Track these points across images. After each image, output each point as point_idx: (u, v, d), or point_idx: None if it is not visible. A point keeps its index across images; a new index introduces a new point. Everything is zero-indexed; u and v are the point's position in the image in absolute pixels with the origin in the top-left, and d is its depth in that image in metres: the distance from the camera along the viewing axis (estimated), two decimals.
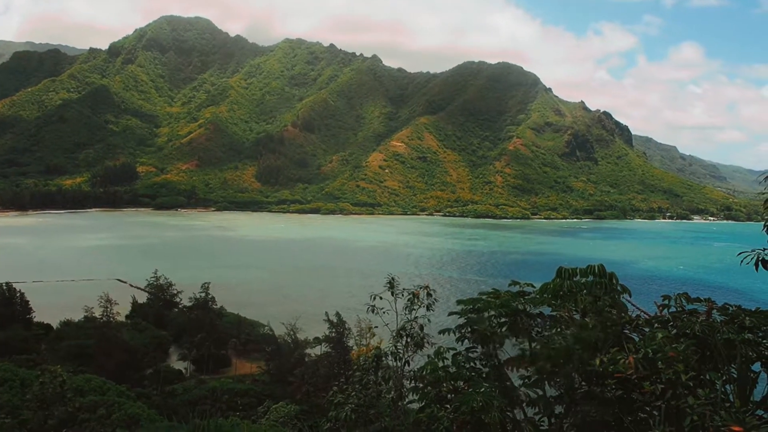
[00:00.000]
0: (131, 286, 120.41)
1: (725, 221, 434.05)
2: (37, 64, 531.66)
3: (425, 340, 10.10)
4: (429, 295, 10.12)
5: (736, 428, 5.75)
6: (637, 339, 8.40)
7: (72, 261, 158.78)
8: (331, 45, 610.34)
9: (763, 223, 7.81)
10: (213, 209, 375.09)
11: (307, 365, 67.01)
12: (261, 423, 40.68)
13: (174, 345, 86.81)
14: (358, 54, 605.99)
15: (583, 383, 8.69)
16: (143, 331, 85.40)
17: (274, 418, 44.85)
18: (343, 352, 66.08)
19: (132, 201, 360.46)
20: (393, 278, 10.25)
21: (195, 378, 73.13)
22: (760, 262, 7.64)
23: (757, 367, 8.60)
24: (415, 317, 10.12)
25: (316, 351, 74.93)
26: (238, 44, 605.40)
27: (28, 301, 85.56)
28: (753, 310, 9.16)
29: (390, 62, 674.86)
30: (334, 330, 71.09)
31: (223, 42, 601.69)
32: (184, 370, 78.00)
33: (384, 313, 10.16)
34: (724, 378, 8.31)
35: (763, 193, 7.49)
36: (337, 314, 71.74)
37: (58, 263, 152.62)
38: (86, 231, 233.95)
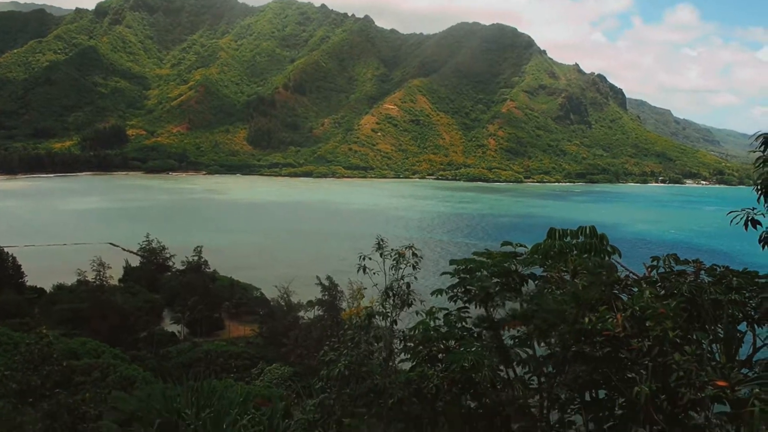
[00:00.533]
0: (124, 249, 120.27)
1: (717, 185, 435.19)
2: (22, 24, 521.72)
3: (411, 298, 10.17)
4: (414, 254, 10.19)
5: (721, 383, 5.84)
6: (625, 299, 8.49)
7: (63, 225, 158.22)
8: (323, 5, 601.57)
9: (753, 186, 7.85)
10: (204, 173, 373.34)
11: (300, 328, 67.42)
12: (255, 384, 41.10)
13: (167, 308, 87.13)
14: (350, 14, 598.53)
15: (573, 343, 8.81)
16: (136, 295, 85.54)
17: (268, 380, 45.32)
18: (336, 315, 66.48)
19: (122, 164, 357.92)
20: (381, 239, 10.30)
21: (189, 341, 73.60)
22: (749, 222, 7.70)
23: (743, 327, 8.72)
24: (402, 276, 10.19)
25: (309, 315, 75.34)
26: (228, 4, 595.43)
27: (20, 265, 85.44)
28: (740, 270, 9.25)
29: (382, 23, 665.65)
30: (326, 293, 71.41)
31: (212, 2, 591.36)
32: (177, 333, 78.47)
33: (374, 273, 10.23)
34: (711, 337, 8.43)
35: (754, 152, 7.52)
36: (329, 278, 71.96)
37: (49, 227, 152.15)
38: (77, 195, 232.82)
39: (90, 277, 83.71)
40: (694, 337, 7.80)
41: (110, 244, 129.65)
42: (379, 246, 10.24)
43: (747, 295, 8.79)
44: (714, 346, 8.42)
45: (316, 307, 71.63)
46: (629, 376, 7.95)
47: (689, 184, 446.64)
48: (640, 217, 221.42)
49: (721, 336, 8.48)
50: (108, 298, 75.52)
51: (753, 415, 5.38)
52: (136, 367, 50.67)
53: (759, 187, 7.53)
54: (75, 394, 12.55)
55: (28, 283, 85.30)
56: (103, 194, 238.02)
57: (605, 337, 7.67)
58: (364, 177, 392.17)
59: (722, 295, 8.56)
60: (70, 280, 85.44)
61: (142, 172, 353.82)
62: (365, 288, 10.73)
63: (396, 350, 10.01)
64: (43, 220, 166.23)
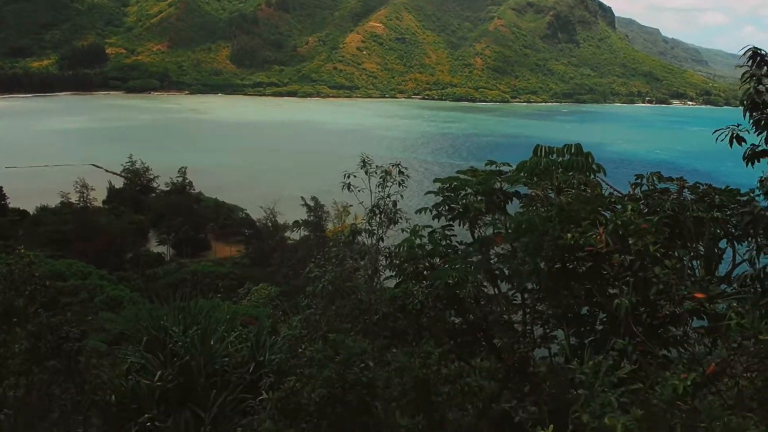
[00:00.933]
0: (107, 171, 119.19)
1: (704, 106, 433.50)
2: None
3: (398, 216, 10.20)
4: (401, 172, 10.16)
5: (699, 295, 5.93)
6: (608, 216, 8.53)
7: (44, 146, 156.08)
8: None
9: (740, 107, 7.79)
10: (186, 92, 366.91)
11: (286, 248, 68.00)
12: (242, 304, 41.56)
13: (153, 229, 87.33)
14: None
15: (557, 260, 8.90)
16: (121, 216, 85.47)
17: (255, 300, 45.83)
18: (322, 235, 66.95)
19: (102, 84, 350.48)
20: (366, 156, 10.23)
21: (175, 261, 74.21)
22: (734, 138, 7.68)
23: (723, 244, 8.83)
24: (388, 194, 10.18)
25: (295, 235, 75.82)
26: None
27: (1, 186, 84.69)
28: (722, 188, 9.29)
29: None
30: (312, 214, 71.71)
31: None
32: (163, 254, 78.94)
33: (359, 191, 10.21)
34: (692, 254, 8.54)
35: (741, 67, 7.43)
36: (314, 198, 72.11)
37: (30, 148, 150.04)
38: (57, 114, 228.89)
39: (73, 198, 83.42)
40: (676, 254, 7.88)
41: (93, 165, 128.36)
42: (365, 164, 10.17)
43: (728, 212, 8.86)
44: (694, 262, 8.54)
45: (302, 227, 72.05)
46: (611, 292, 8.08)
47: (675, 104, 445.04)
48: (626, 137, 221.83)
49: (702, 253, 8.60)
50: (92, 220, 75.45)
51: (730, 328, 5.50)
52: (123, 288, 51.20)
53: (745, 102, 7.47)
54: (59, 315, 12.69)
55: (10, 205, 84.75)
56: (84, 114, 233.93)
57: (587, 253, 7.75)
58: (350, 96, 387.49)
59: (704, 212, 8.61)
60: (54, 201, 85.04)
61: (123, 91, 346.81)
62: (350, 206, 10.76)
63: (381, 267, 10.09)
64: (24, 140, 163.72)
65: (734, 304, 5.89)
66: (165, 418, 9.74)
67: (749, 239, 8.49)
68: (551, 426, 5.37)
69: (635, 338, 6.62)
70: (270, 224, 76.19)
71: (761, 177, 8.30)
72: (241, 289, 52.32)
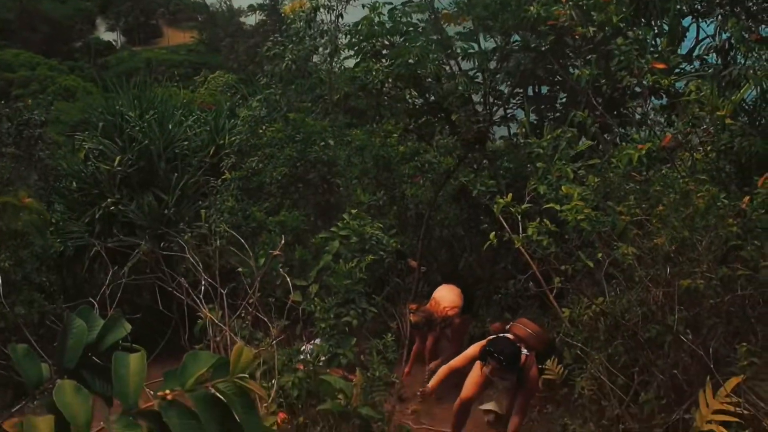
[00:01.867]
0: None
1: None
2: None
3: None
4: None
5: (660, 65, 5.90)
6: None
7: None
8: None
9: None
10: None
11: (243, 34, 65.88)
12: (200, 92, 40.76)
13: (101, 16, 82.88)
14: None
15: (518, 36, 8.70)
16: (66, 2, 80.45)
17: (212, 87, 44.92)
18: (278, 20, 64.43)
19: None
20: None
21: (127, 50, 71.74)
22: None
23: (686, 23, 8.67)
24: None
25: (251, 20, 72.95)
26: None
27: None
28: None
29: None
30: None
31: None
32: (114, 42, 75.94)
33: None
34: (656, 32, 8.39)
35: None
36: None
37: None
38: None
39: None
40: (641, 32, 7.74)
41: None
42: None
43: None
44: (657, 39, 8.40)
45: (258, 11, 69.24)
46: (572, 72, 8.03)
47: None
48: None
49: (666, 31, 8.45)
50: (35, 7, 71.26)
51: (688, 102, 5.51)
52: (75, 78, 49.69)
53: None
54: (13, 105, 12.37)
55: None
56: None
57: (550, 27, 7.57)
58: None
59: None
60: None
61: None
62: None
63: (341, 46, 9.79)
64: None
65: (695, 80, 5.87)
66: (128, 202, 9.87)
67: (715, 15, 8.30)
68: (509, 195, 5.54)
69: (595, 111, 6.68)
70: (224, 9, 73.00)
71: None
72: (197, 77, 51.17)
